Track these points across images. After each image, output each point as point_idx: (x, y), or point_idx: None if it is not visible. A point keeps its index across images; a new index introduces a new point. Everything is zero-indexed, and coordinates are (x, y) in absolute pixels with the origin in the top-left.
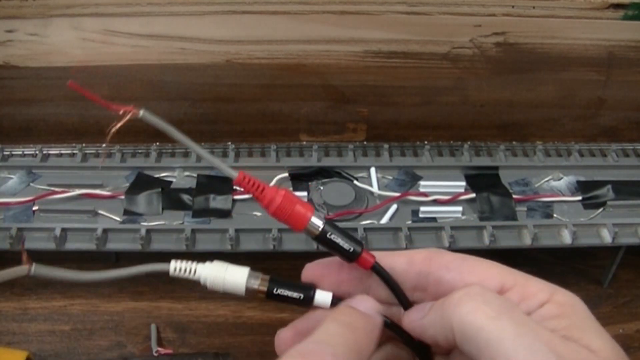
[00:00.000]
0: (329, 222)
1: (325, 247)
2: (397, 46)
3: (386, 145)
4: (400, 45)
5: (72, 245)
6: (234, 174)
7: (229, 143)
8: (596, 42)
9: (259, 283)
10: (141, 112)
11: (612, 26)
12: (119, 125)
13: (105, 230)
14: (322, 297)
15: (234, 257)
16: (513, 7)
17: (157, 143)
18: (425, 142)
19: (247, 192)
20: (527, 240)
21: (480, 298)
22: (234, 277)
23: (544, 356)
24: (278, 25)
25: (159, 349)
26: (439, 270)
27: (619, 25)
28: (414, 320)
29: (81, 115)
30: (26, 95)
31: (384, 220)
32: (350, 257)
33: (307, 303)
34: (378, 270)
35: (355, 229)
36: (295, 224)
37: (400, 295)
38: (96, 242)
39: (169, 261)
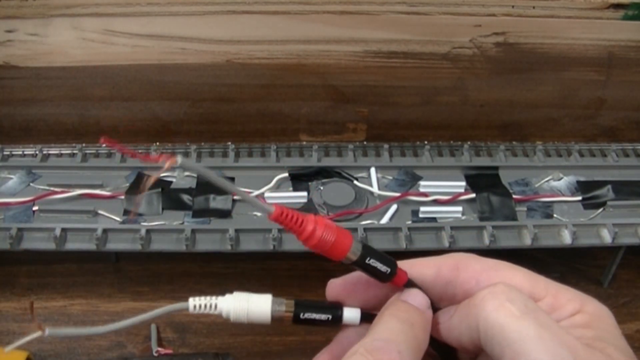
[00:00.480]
0: (365, 246)
1: (362, 270)
2: (397, 46)
3: (386, 145)
4: (400, 45)
5: (72, 245)
6: (270, 210)
7: (229, 143)
8: (596, 42)
9: (284, 309)
10: (179, 161)
11: (612, 26)
12: (156, 177)
13: (105, 230)
14: (351, 314)
15: (234, 257)
16: (513, 7)
17: (157, 143)
18: (425, 142)
19: (285, 227)
20: (527, 241)
21: (504, 296)
22: (257, 306)
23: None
24: (278, 25)
25: (159, 349)
26: (468, 282)
27: (619, 25)
28: (441, 322)
29: (81, 115)
30: (26, 95)
31: (384, 220)
32: (387, 278)
33: (335, 323)
34: (412, 286)
35: (355, 229)
36: (336, 255)
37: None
38: (96, 242)
39: (186, 300)
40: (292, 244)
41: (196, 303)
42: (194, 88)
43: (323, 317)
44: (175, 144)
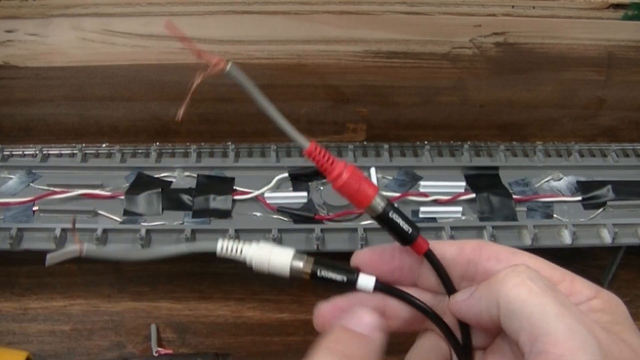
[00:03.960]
0: (390, 203)
1: (384, 226)
2: (397, 46)
3: (386, 145)
4: (400, 45)
5: (72, 245)
6: (305, 144)
7: (229, 143)
8: (596, 42)
9: (303, 265)
10: (229, 66)
11: (612, 26)
12: (201, 79)
13: (105, 231)
14: (365, 281)
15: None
16: (513, 7)
17: (157, 143)
18: (425, 142)
19: (316, 164)
20: (527, 241)
21: (526, 275)
22: (278, 258)
23: (584, 338)
24: (278, 25)
25: (159, 349)
26: (489, 260)
27: (619, 25)
28: (460, 300)
29: (81, 115)
30: (26, 95)
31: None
32: (406, 239)
33: (349, 286)
34: (430, 257)
35: (356, 229)
36: (359, 202)
37: (448, 284)
38: (96, 242)
39: (216, 240)
40: (292, 244)
41: (224, 244)
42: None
43: (339, 277)
44: (175, 144)
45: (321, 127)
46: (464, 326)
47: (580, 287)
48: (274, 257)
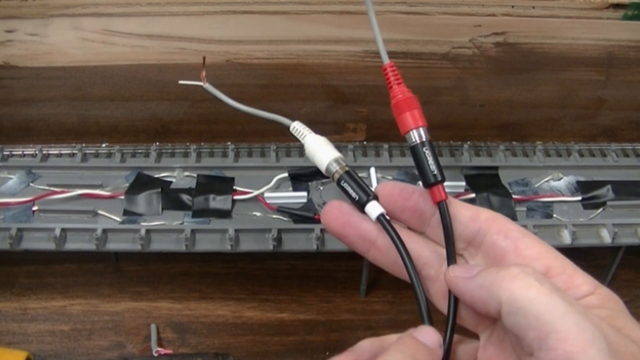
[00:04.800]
0: (430, 142)
1: (414, 159)
2: (397, 46)
3: (386, 145)
4: (400, 45)
5: (72, 245)
6: (386, 60)
7: (229, 143)
8: (596, 42)
9: (336, 169)
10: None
11: (612, 26)
12: None
13: (105, 231)
14: (373, 208)
15: (234, 257)
16: (513, 7)
17: (157, 143)
18: None
19: (387, 79)
20: None
21: (534, 278)
22: (322, 155)
23: (592, 334)
24: (278, 25)
25: (159, 349)
26: (498, 234)
27: (619, 25)
28: (459, 276)
29: (81, 115)
30: (26, 95)
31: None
32: (428, 180)
33: (359, 206)
34: (442, 210)
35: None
36: (403, 124)
37: (450, 244)
38: (96, 242)
39: (293, 120)
40: (292, 244)
41: (296, 126)
42: (194, 88)
43: (353, 194)
44: (175, 144)
45: (321, 127)
46: (453, 298)
47: (579, 281)
48: (319, 153)
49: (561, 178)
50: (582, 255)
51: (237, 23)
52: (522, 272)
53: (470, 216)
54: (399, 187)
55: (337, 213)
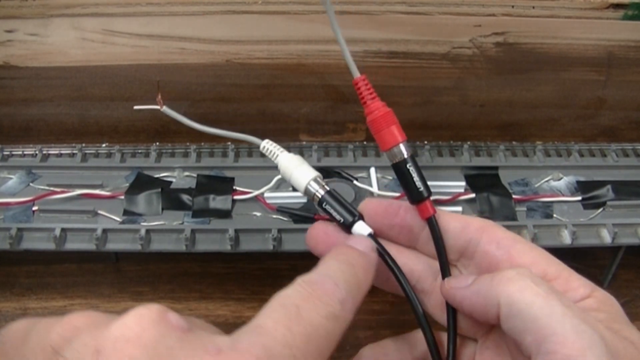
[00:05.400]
0: (412, 156)
1: (398, 175)
2: (397, 46)
3: None
4: (400, 45)
5: (71, 245)
6: (357, 74)
7: (229, 143)
8: (596, 42)
9: (316, 190)
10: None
11: (612, 26)
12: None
13: (105, 231)
14: (361, 229)
15: (234, 257)
16: (513, 7)
17: (157, 143)
18: (425, 142)
19: (359, 95)
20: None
21: (530, 280)
22: (300, 175)
23: (591, 337)
24: (278, 25)
25: None
26: (490, 243)
27: (619, 25)
28: (455, 287)
29: (81, 115)
30: (26, 95)
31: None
32: (415, 197)
33: (345, 228)
34: (432, 225)
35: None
36: (383, 141)
37: (443, 258)
38: (96, 242)
39: (262, 139)
40: (292, 244)
41: (267, 145)
42: (194, 88)
43: (338, 217)
44: (175, 144)
45: (321, 127)
46: (451, 310)
47: (576, 284)
48: (297, 173)
49: (561, 178)
50: (582, 255)
51: (237, 23)
52: (518, 274)
53: (460, 227)
54: (383, 205)
55: (323, 236)
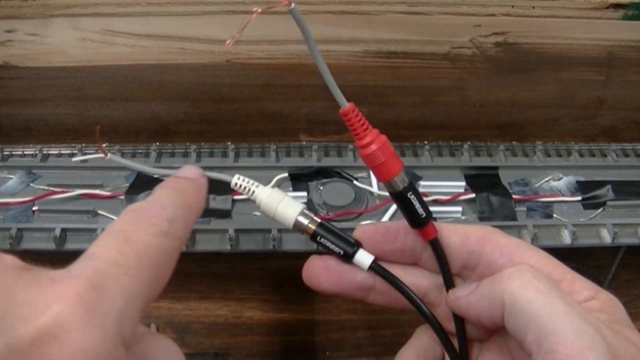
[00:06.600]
0: (411, 183)
1: (399, 204)
2: (397, 46)
3: None
4: (400, 45)
5: (72, 245)
6: (345, 104)
7: (229, 143)
8: (596, 42)
9: (307, 223)
10: (292, 6)
11: (612, 26)
12: (257, 13)
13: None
14: (363, 257)
15: (234, 257)
16: (513, 7)
17: (157, 143)
18: (425, 142)
19: (350, 127)
20: (526, 241)
21: (531, 275)
22: (286, 209)
23: (592, 337)
24: (278, 25)
25: None
26: (492, 253)
27: (619, 25)
28: (460, 296)
29: (81, 115)
30: (26, 95)
31: (384, 220)
32: (418, 223)
33: (346, 259)
34: (435, 246)
35: (355, 229)
36: (381, 175)
37: (447, 276)
38: None
39: (233, 175)
40: (292, 244)
41: (239, 181)
42: (194, 88)
43: (337, 249)
44: (175, 144)
45: (321, 127)
46: (459, 320)
47: (580, 287)
48: (282, 208)
49: (561, 178)
50: (582, 255)
51: (237, 23)
52: (518, 270)
53: (461, 241)
54: (381, 230)
55: (324, 272)
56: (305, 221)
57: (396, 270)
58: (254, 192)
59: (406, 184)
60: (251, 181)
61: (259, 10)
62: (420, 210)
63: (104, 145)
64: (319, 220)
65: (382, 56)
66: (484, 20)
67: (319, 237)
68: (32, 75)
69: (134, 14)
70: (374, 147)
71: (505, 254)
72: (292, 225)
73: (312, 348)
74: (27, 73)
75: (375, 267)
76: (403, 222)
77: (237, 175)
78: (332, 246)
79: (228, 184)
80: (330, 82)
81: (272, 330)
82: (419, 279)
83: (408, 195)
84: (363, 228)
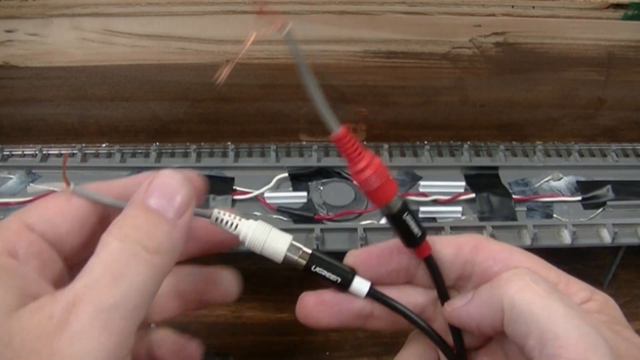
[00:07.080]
0: (405, 204)
1: (393, 226)
2: (397, 46)
3: (386, 145)
4: (400, 45)
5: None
6: (336, 129)
7: (229, 143)
8: (596, 42)
9: (299, 255)
10: (287, 28)
11: (612, 26)
12: (254, 37)
13: None
14: (359, 285)
15: (234, 257)
16: (513, 7)
17: (157, 143)
18: (425, 142)
19: (343, 152)
20: (526, 241)
21: (529, 278)
22: (274, 243)
23: (594, 339)
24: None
25: None
26: (486, 260)
27: (619, 25)
28: (458, 306)
29: (81, 115)
30: (26, 95)
31: (384, 220)
32: (412, 242)
33: (342, 288)
34: (430, 263)
35: (355, 229)
36: (376, 199)
37: (442, 292)
38: None
39: (212, 208)
40: None
41: (220, 216)
42: (194, 88)
43: (332, 277)
44: (175, 144)
45: (321, 127)
46: (456, 331)
47: (575, 289)
48: (270, 241)
49: (561, 178)
50: (582, 255)
51: (237, 23)
52: (515, 274)
53: (454, 253)
54: (374, 254)
55: (322, 307)
56: (296, 254)
57: (392, 292)
58: (237, 225)
59: (400, 207)
60: (232, 215)
61: (253, 37)
62: (415, 230)
63: (103, 145)
64: (310, 251)
65: (382, 56)
66: (484, 20)
67: (313, 267)
68: (32, 75)
69: (134, 14)
70: (368, 172)
71: (499, 260)
72: (282, 259)
73: (312, 348)
74: (27, 73)
75: (373, 293)
76: (395, 242)
77: (216, 210)
78: (326, 274)
79: (228, 183)
80: (321, 105)
81: (272, 330)
82: (415, 297)
83: (404, 216)
84: (355, 253)
